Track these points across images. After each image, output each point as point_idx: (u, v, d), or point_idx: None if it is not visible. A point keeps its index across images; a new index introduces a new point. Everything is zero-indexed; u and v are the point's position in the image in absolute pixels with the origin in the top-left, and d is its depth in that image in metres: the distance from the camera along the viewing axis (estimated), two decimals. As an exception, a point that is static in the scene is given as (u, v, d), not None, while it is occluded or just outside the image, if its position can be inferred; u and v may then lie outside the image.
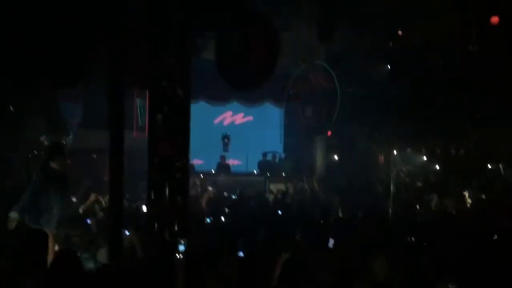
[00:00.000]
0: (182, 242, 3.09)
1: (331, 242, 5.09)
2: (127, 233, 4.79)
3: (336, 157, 13.79)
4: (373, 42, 11.30)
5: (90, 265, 4.88)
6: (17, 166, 9.86)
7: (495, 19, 8.74)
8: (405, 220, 7.39)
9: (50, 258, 4.56)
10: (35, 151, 9.49)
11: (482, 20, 9.11)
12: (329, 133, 14.11)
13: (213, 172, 13.90)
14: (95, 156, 11.47)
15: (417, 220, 7.54)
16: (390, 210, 8.85)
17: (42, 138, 9.64)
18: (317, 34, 10.05)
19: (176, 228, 4.16)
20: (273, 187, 12.26)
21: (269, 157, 14.51)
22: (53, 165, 5.91)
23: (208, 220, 6.55)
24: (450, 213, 8.02)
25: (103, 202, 6.95)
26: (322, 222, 6.92)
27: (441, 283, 3.89)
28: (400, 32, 11.12)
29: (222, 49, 4.57)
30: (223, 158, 14.58)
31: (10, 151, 9.83)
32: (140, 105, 12.69)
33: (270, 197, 10.45)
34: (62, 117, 10.57)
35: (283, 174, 13.57)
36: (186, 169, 4.55)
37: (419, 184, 11.12)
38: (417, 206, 8.77)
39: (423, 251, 5.37)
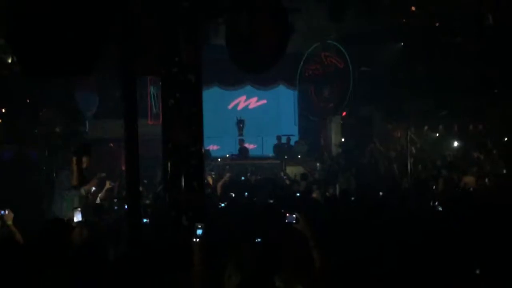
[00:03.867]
0: (199, 226, 3.11)
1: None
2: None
3: (351, 137, 13.71)
4: (386, 19, 11.11)
5: (111, 252, 4.95)
6: (35, 159, 10.05)
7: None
8: (424, 198, 7.33)
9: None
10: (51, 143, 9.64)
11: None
12: (344, 113, 14.03)
13: (228, 156, 13.97)
14: (111, 145, 11.59)
15: (437, 197, 7.48)
16: (408, 188, 8.81)
17: (57, 129, 9.77)
18: (328, 13, 9.94)
19: (193, 213, 4.21)
20: (289, 170, 12.27)
21: (284, 140, 14.50)
22: (81, 163, 6.28)
23: (222, 204, 6.58)
24: (470, 190, 7.93)
25: (114, 190, 7.13)
26: (340, 203, 6.89)
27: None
28: (413, 8, 10.91)
29: (232, 32, 4.55)
30: (241, 141, 14.61)
31: (28, 143, 10.00)
32: (153, 93, 12.76)
33: (286, 180, 10.45)
34: (77, 108, 10.69)
35: (299, 156, 13.55)
36: (201, 154, 4.57)
37: (438, 162, 10.99)
38: (436, 184, 8.68)
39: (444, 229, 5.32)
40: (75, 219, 4.77)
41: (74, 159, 6.37)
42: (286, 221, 3.05)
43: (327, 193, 8.18)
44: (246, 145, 14.86)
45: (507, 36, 9.77)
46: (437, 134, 13.04)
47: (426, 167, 11.05)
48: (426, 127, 13.18)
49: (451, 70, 10.97)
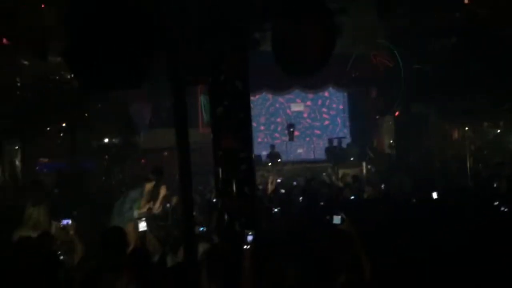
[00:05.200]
0: (250, 233, 3.13)
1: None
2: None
3: (405, 137, 13.36)
4: (436, 16, 10.76)
5: (169, 259, 5.06)
6: (95, 171, 10.46)
7: None
8: (485, 197, 7.02)
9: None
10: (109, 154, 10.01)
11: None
12: (397, 113, 13.70)
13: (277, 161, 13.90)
14: (165, 153, 11.88)
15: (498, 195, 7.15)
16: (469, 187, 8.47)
17: (115, 140, 10.14)
18: (377, 12, 9.73)
19: (245, 219, 4.23)
20: (341, 172, 12.11)
21: (335, 142, 14.33)
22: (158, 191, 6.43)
23: (275, 210, 6.57)
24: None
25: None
26: (395, 203, 6.74)
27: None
28: (466, 1, 10.51)
29: (277, 38, 4.56)
30: (272, 147, 14.53)
31: (87, 154, 10.43)
32: (204, 102, 12.99)
33: (339, 183, 10.31)
34: (131, 119, 11.04)
35: (351, 159, 13.34)
36: (251, 160, 4.59)
37: (498, 159, 10.51)
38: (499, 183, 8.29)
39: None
40: (140, 228, 4.92)
41: (149, 184, 6.37)
42: (333, 222, 3.03)
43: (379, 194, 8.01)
44: (297, 149, 14.79)
45: None
46: (498, 131, 12.48)
47: (487, 165, 10.60)
48: (485, 124, 12.64)
49: (507, 64, 10.47)
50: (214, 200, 5.51)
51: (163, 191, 6.62)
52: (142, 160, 12.02)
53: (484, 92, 11.31)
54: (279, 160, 13.88)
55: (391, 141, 13.98)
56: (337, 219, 3.02)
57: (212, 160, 4.72)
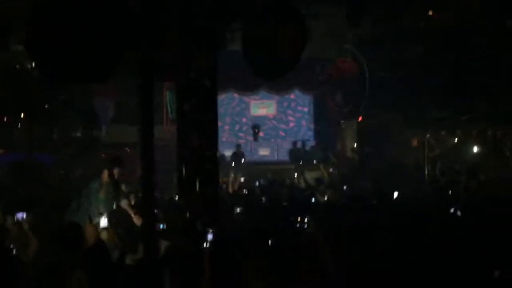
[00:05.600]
0: (211, 231, 3.12)
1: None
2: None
3: (368, 143, 13.62)
4: (404, 24, 11.03)
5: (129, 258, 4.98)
6: (55, 165, 10.18)
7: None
8: (442, 203, 7.24)
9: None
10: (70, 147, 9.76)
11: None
12: (360, 118, 13.94)
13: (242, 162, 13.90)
14: (127, 149, 11.68)
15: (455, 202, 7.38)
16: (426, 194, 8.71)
17: (76, 134, 9.90)
18: (346, 18, 9.88)
19: (205, 217, 4.21)
20: (304, 175, 12.21)
21: (299, 145, 14.44)
22: (113, 176, 6.26)
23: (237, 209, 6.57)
24: (488, 195, 7.81)
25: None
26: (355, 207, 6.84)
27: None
28: (431, 12, 10.82)
29: (247, 38, 4.56)
30: (238, 146, 14.52)
31: (48, 148, 10.14)
32: (170, 98, 12.83)
33: (302, 185, 10.41)
34: (94, 113, 10.81)
35: (314, 162, 13.49)
36: (215, 159, 4.58)
37: (456, 167, 10.85)
38: (455, 189, 8.56)
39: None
40: (101, 225, 4.82)
41: (106, 172, 6.30)
42: (298, 225, 3.05)
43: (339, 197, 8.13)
44: (261, 151, 14.83)
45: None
46: (456, 140, 12.88)
47: (443, 173, 10.93)
48: (443, 133, 13.03)
49: (471, 75, 10.83)
50: (177, 198, 5.46)
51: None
52: (103, 155, 11.78)
53: (444, 103, 11.67)
54: (243, 160, 13.87)
55: (354, 146, 14.22)
56: (303, 222, 3.05)
57: (176, 158, 4.68)
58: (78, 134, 9.82)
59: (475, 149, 12.28)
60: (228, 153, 14.32)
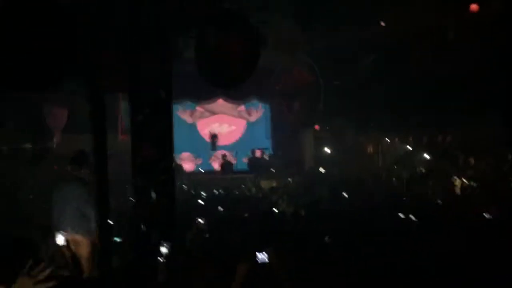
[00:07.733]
0: (166, 245, 3.05)
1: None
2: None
3: (324, 150, 13.82)
4: (355, 34, 11.31)
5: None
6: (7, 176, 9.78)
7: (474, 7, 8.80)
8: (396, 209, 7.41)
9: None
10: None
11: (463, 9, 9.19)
12: (317, 126, 14.14)
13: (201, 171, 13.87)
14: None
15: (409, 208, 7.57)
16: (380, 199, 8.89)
17: (26, 145, 9.56)
18: (297, 25, 10.01)
19: (161, 230, 4.14)
20: (263, 183, 12.23)
21: (257, 153, 14.49)
22: (77, 173, 5.60)
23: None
24: (439, 201, 8.06)
25: None
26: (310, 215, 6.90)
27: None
28: (383, 24, 11.15)
29: (200, 47, 4.53)
30: (224, 156, 14.51)
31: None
32: (125, 108, 12.60)
33: (260, 194, 10.42)
34: (45, 124, 10.47)
35: (273, 170, 13.54)
36: (171, 170, 4.51)
37: (408, 173, 11.15)
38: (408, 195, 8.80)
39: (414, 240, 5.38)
40: (58, 242, 4.66)
41: (69, 167, 5.62)
42: (258, 261, 2.97)
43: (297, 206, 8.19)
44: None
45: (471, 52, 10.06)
46: (407, 146, 13.26)
47: (398, 180, 11.19)
48: (397, 139, 13.39)
49: (422, 83, 11.22)
50: (131, 210, 5.33)
51: None
52: (55, 167, 11.42)
53: (396, 109, 12.02)
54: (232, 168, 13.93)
55: (311, 154, 14.39)
56: (263, 258, 2.95)
57: (131, 169, 4.58)
58: (26, 145, 9.46)
59: (426, 155, 12.68)
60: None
